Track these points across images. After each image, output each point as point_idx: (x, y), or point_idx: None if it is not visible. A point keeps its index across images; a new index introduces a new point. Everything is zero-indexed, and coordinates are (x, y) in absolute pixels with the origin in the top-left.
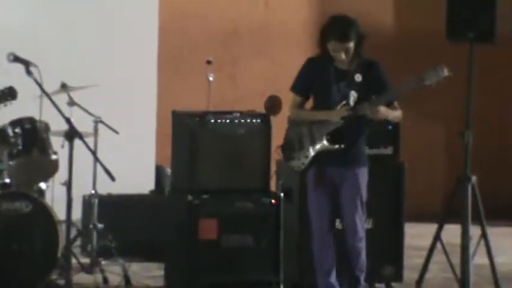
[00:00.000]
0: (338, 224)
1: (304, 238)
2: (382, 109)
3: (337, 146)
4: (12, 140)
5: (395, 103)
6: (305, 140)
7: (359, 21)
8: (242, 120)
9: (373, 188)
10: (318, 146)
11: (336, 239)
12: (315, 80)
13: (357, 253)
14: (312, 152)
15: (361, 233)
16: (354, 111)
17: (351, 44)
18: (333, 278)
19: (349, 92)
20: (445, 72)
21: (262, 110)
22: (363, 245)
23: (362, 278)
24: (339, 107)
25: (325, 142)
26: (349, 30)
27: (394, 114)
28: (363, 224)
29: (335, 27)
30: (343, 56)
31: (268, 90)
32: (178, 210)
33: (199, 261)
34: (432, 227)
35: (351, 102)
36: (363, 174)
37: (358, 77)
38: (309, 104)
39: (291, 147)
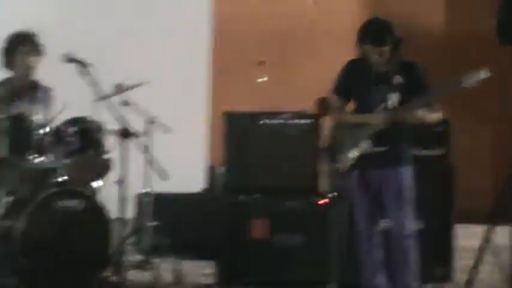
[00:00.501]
0: (384, 225)
1: (352, 237)
2: (420, 112)
3: (379, 148)
4: (68, 139)
5: (436, 104)
6: (348, 143)
7: (394, 25)
8: (293, 121)
9: (423, 189)
10: (360, 149)
11: (383, 240)
12: (355, 83)
13: (404, 253)
14: (354, 155)
15: (407, 232)
16: (393, 114)
17: (386, 48)
18: (379, 280)
19: (389, 94)
20: (483, 74)
21: (313, 111)
22: (410, 245)
23: (412, 282)
24: (378, 109)
25: (367, 145)
26: (384, 34)
27: (433, 116)
28: (409, 223)
29: (370, 31)
30: (378, 58)
31: (318, 90)
32: (230, 209)
33: (250, 260)
34: (482, 228)
35: (390, 105)
36: (406, 174)
37: (397, 79)
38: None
39: (334, 149)
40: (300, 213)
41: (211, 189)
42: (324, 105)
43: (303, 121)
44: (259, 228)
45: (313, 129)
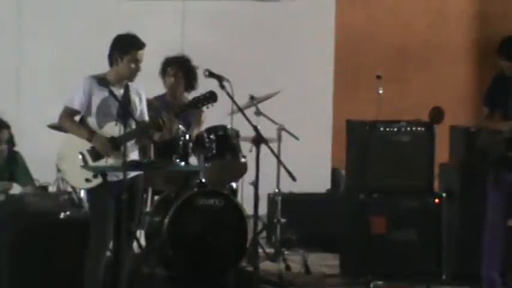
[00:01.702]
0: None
1: (464, 233)
2: None
3: (510, 153)
4: (208, 145)
5: None
6: (487, 148)
7: None
8: (408, 128)
9: None
10: (487, 149)
11: (508, 237)
12: (499, 94)
13: None
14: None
15: None
16: None
17: (505, 63)
18: (495, 273)
19: None
20: None
21: (427, 120)
22: None
23: None
24: None
25: (500, 149)
26: (504, 49)
27: None
28: None
29: (502, 46)
30: (507, 72)
31: (431, 101)
32: (351, 207)
33: (370, 253)
34: None
35: None
36: None
37: None
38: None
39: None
40: (414, 211)
41: (334, 190)
42: (436, 115)
43: (417, 128)
44: (377, 225)
45: (428, 136)
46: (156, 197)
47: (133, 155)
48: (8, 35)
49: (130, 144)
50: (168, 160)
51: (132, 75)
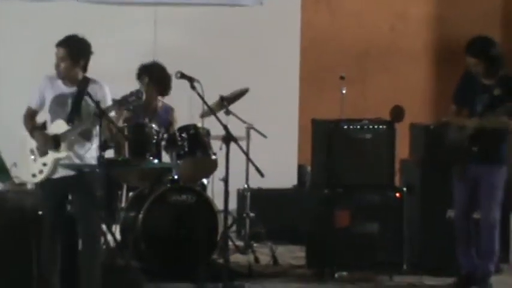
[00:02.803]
0: (477, 215)
1: (424, 226)
2: (503, 119)
3: (475, 148)
4: (180, 143)
5: None
6: (455, 143)
7: (494, 43)
8: (370, 127)
9: None
10: (455, 145)
11: (473, 225)
12: (466, 92)
13: (487, 239)
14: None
15: (494, 223)
16: (483, 118)
17: (472, 60)
18: (466, 259)
19: (487, 103)
20: None
21: (388, 118)
22: (493, 233)
23: (490, 264)
24: (476, 115)
25: (465, 144)
26: (473, 46)
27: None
28: (494, 216)
29: (469, 45)
30: (474, 70)
31: (392, 101)
32: (317, 202)
33: (334, 245)
34: None
35: (481, 111)
36: (498, 177)
37: (497, 91)
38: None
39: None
40: (377, 205)
41: (301, 185)
42: (396, 113)
43: (379, 127)
44: (341, 218)
45: (389, 134)
46: (130, 193)
47: (80, 149)
48: None
49: (74, 139)
50: (142, 158)
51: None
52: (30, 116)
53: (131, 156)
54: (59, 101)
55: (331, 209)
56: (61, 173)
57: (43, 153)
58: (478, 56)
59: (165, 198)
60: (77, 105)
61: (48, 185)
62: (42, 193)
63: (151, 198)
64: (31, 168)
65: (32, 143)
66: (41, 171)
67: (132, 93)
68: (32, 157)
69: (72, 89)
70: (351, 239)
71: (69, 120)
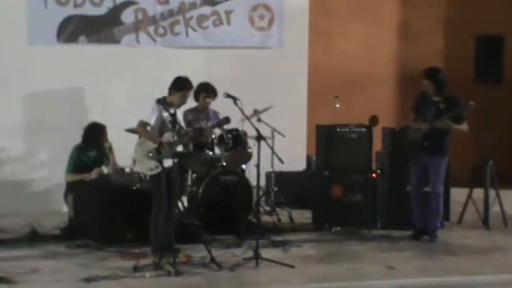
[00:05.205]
0: (426, 188)
1: (391, 197)
2: (447, 122)
3: (427, 143)
4: (227, 141)
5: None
6: (412, 140)
7: (439, 71)
8: (355, 129)
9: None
10: (413, 141)
11: (425, 197)
12: (421, 105)
13: (434, 205)
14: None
15: (436, 193)
16: (432, 123)
17: (425, 82)
18: (419, 222)
19: (435, 113)
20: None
21: (367, 123)
22: (438, 200)
23: (436, 222)
24: (427, 121)
25: (419, 140)
26: (424, 75)
27: (458, 127)
28: (439, 189)
29: (425, 72)
30: (426, 89)
31: (370, 112)
32: (319, 180)
33: (331, 210)
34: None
35: (431, 118)
36: (442, 163)
37: (442, 105)
38: None
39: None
40: (360, 182)
41: (308, 169)
42: (372, 120)
43: (361, 129)
44: (336, 191)
45: (368, 134)
46: (194, 175)
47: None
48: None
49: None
50: (201, 151)
51: (180, 105)
52: (145, 127)
53: (194, 150)
54: (167, 119)
55: (329, 185)
56: (167, 163)
57: (158, 153)
58: (430, 79)
59: (217, 178)
60: (177, 122)
61: (161, 172)
62: (158, 178)
63: (208, 178)
64: (148, 164)
65: (150, 147)
66: (157, 166)
67: (227, 119)
68: (150, 155)
69: (172, 111)
70: (343, 205)
71: (177, 133)
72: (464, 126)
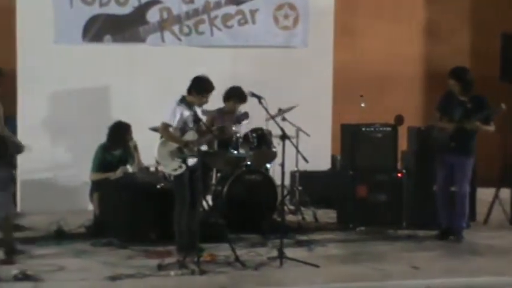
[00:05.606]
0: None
1: (416, 197)
2: (477, 123)
3: (453, 143)
4: (251, 140)
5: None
6: (438, 140)
7: (467, 71)
8: (380, 128)
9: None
10: (438, 140)
11: (451, 197)
12: (446, 106)
13: (460, 205)
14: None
15: (462, 193)
16: (461, 123)
17: (452, 82)
18: (445, 222)
19: (462, 113)
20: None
21: (392, 123)
22: (464, 201)
23: (462, 222)
24: (454, 121)
25: (445, 140)
26: (452, 74)
27: (487, 127)
28: (465, 189)
29: (451, 71)
30: (452, 89)
31: (395, 111)
32: (344, 179)
33: (356, 209)
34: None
35: (458, 119)
36: (469, 163)
37: (469, 105)
38: None
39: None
40: (385, 182)
41: (333, 168)
42: (398, 120)
43: (386, 128)
44: (361, 191)
45: (393, 134)
46: (218, 174)
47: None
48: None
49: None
50: (226, 150)
51: (201, 105)
52: (168, 128)
53: (219, 149)
54: (189, 119)
55: (354, 184)
56: (191, 162)
57: (181, 153)
58: (457, 79)
59: (241, 177)
60: (200, 121)
61: (185, 171)
62: (181, 178)
63: (232, 177)
64: (172, 165)
65: (172, 147)
66: (180, 166)
67: (246, 114)
68: (175, 156)
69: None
70: (367, 205)
71: (199, 132)
72: (491, 127)
